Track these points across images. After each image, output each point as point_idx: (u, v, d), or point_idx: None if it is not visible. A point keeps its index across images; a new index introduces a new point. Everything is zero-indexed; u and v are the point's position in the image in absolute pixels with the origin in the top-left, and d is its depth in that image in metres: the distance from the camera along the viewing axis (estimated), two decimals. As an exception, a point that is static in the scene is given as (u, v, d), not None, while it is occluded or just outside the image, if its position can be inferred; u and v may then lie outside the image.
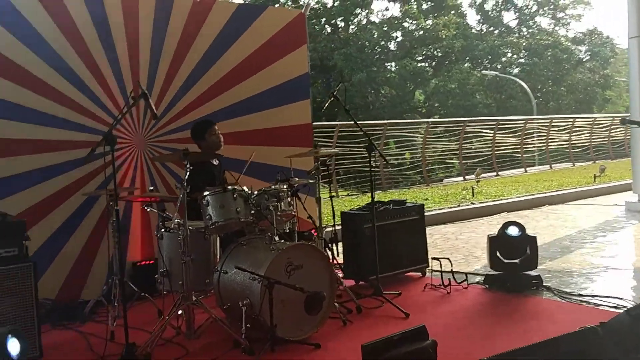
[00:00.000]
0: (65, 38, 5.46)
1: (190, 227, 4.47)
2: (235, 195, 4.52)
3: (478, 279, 5.78)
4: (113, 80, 5.76)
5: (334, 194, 6.60)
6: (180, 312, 4.53)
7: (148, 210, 5.11)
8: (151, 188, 5.32)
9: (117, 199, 4.17)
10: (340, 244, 5.85)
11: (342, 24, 32.60)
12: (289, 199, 4.78)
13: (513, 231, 5.52)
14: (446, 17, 32.24)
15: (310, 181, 5.48)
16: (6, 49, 5.16)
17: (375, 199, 5.72)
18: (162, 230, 4.69)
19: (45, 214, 5.34)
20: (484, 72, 33.49)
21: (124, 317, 4.01)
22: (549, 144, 19.62)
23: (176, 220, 4.58)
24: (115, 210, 4.12)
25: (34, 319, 4.14)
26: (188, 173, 4.49)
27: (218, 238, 4.87)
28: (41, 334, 4.19)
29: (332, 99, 5.35)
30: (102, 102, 5.68)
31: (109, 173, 4.16)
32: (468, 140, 17.24)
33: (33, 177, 5.29)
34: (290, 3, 29.58)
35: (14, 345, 3.44)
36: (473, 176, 15.06)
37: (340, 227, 5.92)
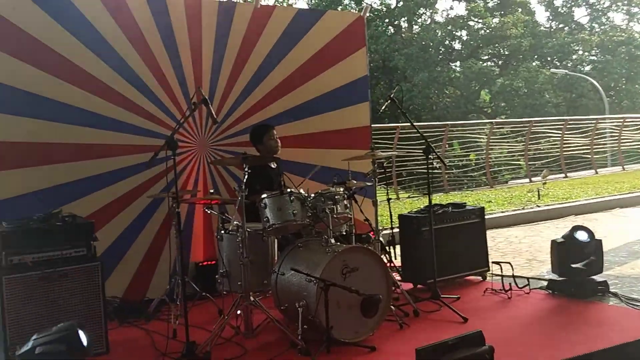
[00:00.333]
0: (131, 45, 5.68)
1: (248, 229, 4.57)
2: (292, 198, 4.59)
3: (541, 284, 5.65)
4: (177, 85, 5.95)
5: (391, 196, 6.57)
6: (239, 312, 4.63)
7: (209, 212, 5.26)
8: (211, 191, 5.48)
9: (179, 201, 4.31)
10: (397, 247, 5.84)
11: (405, 25, 32.38)
12: (345, 202, 4.81)
13: (582, 236, 5.35)
14: (514, 15, 31.51)
15: (368, 184, 5.50)
16: (76, 57, 5.42)
17: (436, 202, 5.67)
18: (222, 231, 4.81)
19: (112, 215, 5.56)
20: (553, 70, 32.50)
21: (184, 316, 4.14)
22: (622, 144, 18.87)
23: (235, 222, 4.69)
24: (176, 212, 4.26)
25: (101, 316, 4.33)
26: (246, 176, 4.60)
27: (276, 240, 4.95)
28: (108, 331, 4.38)
29: (390, 101, 5.35)
30: (166, 107, 5.87)
31: (171, 176, 4.30)
32: (536, 141, 16.80)
33: (101, 181, 5.52)
34: (353, 5, 29.62)
35: (83, 336, 3.60)
36: (539, 178, 14.67)
37: (398, 229, 5.90)
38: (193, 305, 5.19)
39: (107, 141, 5.57)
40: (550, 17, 36.78)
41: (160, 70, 5.85)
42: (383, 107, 5.50)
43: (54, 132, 5.31)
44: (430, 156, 5.21)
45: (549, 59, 33.79)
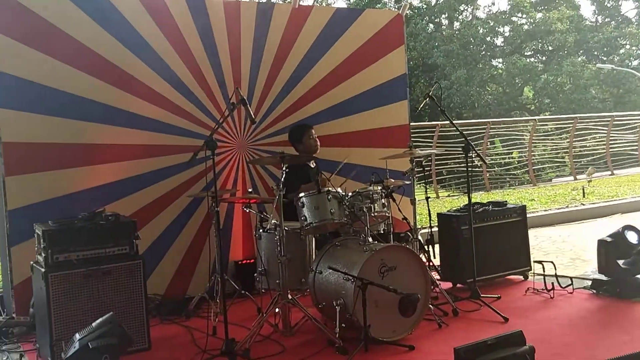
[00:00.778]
0: (171, 46, 5.78)
1: (286, 228, 4.59)
2: (329, 197, 4.59)
3: (585, 283, 5.53)
4: (216, 86, 6.02)
5: (430, 195, 6.52)
6: (277, 310, 4.66)
7: (247, 211, 5.30)
8: (250, 190, 5.53)
9: (218, 200, 4.36)
10: (436, 246, 5.78)
11: (446, 22, 32.05)
12: (383, 201, 4.80)
13: (632, 237, 5.22)
14: (558, 10, 30.85)
15: (406, 182, 5.47)
16: (119, 59, 5.53)
17: (477, 200, 5.60)
18: (260, 230, 4.86)
19: (154, 214, 5.67)
20: (599, 65, 31.68)
21: (224, 314, 4.19)
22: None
23: (273, 221, 4.72)
24: (215, 211, 4.31)
25: (143, 312, 4.41)
26: (284, 175, 4.63)
27: (313, 238, 4.97)
28: (150, 328, 4.46)
29: (428, 98, 5.31)
30: (206, 107, 5.95)
31: (211, 176, 4.36)
32: (581, 138, 16.41)
33: (143, 181, 5.63)
34: (392, 3, 29.45)
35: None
36: (585, 175, 14.33)
37: (437, 228, 5.85)
38: (232, 303, 5.25)
39: (149, 142, 5.67)
40: (596, 11, 35.88)
41: (200, 71, 5.93)
42: (421, 105, 5.45)
43: (97, 134, 5.44)
44: (469, 154, 5.16)
45: (595, 53, 32.95)
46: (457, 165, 13.13)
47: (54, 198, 5.23)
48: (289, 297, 4.56)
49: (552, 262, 5.59)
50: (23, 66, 5.13)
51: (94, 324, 3.62)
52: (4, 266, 5.35)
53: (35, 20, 5.17)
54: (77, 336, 3.58)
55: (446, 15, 31.53)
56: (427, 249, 5.49)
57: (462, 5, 31.45)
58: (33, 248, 4.49)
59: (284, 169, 4.63)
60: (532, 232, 6.04)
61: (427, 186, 6.47)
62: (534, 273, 5.75)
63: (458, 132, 5.56)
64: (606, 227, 7.29)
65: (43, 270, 4.15)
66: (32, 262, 4.45)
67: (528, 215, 6.11)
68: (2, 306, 5.39)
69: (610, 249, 5.23)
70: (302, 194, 4.66)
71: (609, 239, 5.29)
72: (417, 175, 5.63)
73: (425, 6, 30.97)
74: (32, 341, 4.63)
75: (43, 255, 4.22)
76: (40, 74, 5.21)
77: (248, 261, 5.97)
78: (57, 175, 5.27)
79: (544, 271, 5.52)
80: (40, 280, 4.18)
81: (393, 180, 5.18)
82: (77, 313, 4.15)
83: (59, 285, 4.13)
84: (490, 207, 5.88)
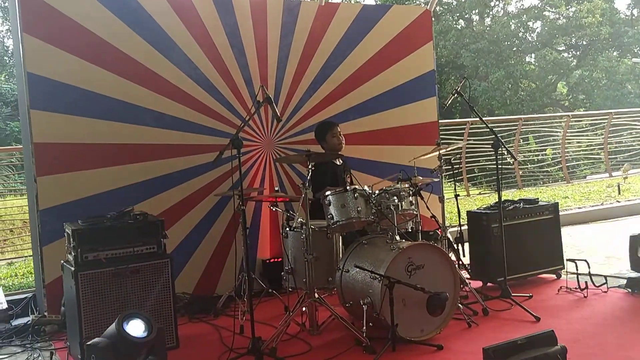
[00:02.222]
0: (198, 45, 5.80)
1: (312, 226, 4.57)
2: (356, 195, 4.56)
3: (620, 282, 5.39)
4: (243, 84, 6.03)
5: (460, 193, 6.43)
6: (304, 308, 4.64)
7: (274, 209, 5.29)
8: (276, 188, 5.52)
9: (244, 199, 4.36)
10: (466, 245, 5.70)
11: (477, 17, 31.66)
12: (410, 198, 4.74)
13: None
14: (590, 3, 30.21)
15: (435, 180, 5.40)
16: (146, 58, 5.58)
17: (508, 198, 5.50)
18: (287, 229, 4.84)
19: (182, 214, 5.70)
20: (634, 60, 30.96)
21: (250, 313, 4.18)
22: None
23: (299, 220, 4.70)
24: (242, 210, 4.30)
25: (171, 311, 4.43)
26: (311, 173, 4.60)
27: (340, 237, 4.93)
28: (178, 326, 4.48)
29: (456, 94, 5.23)
30: (233, 106, 5.96)
31: (237, 175, 4.36)
32: (617, 134, 16.03)
33: (171, 180, 5.66)
34: (422, -1, 29.19)
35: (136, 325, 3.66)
36: (620, 172, 14.00)
37: (466, 226, 5.76)
38: (259, 302, 5.26)
39: (176, 141, 5.70)
40: (631, 5, 35.05)
41: (227, 69, 5.94)
42: (449, 101, 5.38)
43: (125, 134, 5.49)
44: (499, 150, 5.07)
45: (629, 47, 32.19)
46: (488, 163, 12.94)
47: (83, 198, 5.29)
48: (316, 295, 4.53)
49: (585, 260, 5.47)
50: (52, 67, 5.20)
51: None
52: (36, 265, 5.44)
53: (62, 20, 5.23)
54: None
55: (477, 11, 31.13)
56: (456, 248, 5.41)
57: (493, 0, 31.02)
58: (64, 247, 4.54)
59: (310, 167, 4.60)
60: (565, 230, 5.91)
61: (458, 184, 6.36)
62: (567, 272, 5.63)
63: (488, 130, 5.47)
64: (642, 224, 7.12)
65: (73, 269, 4.19)
66: (62, 261, 4.51)
67: (561, 213, 6.00)
68: (35, 305, 5.48)
69: (638, 245, 5.09)
70: (328, 192, 4.63)
71: (637, 234, 5.15)
72: (446, 173, 5.55)
73: (455, 2, 30.64)
74: (64, 339, 4.69)
75: (73, 254, 4.26)
76: (70, 75, 5.27)
77: (275, 260, 5.96)
78: (86, 175, 5.33)
79: (577, 270, 5.40)
80: (70, 279, 4.23)
81: (421, 178, 5.12)
82: (106, 311, 4.18)
83: (88, 283, 4.17)
84: (522, 204, 5.77)
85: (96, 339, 3.49)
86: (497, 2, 31.57)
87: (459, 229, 5.57)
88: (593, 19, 28.87)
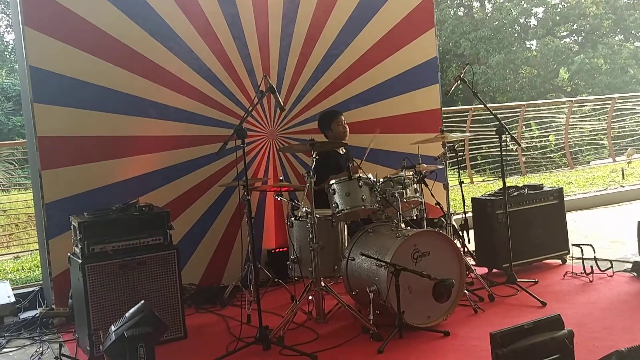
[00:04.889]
0: (199, 36, 5.79)
1: (317, 215, 4.58)
2: (360, 183, 4.56)
3: (625, 266, 5.39)
4: (246, 75, 6.01)
5: (464, 180, 6.43)
6: (310, 297, 4.66)
7: (278, 199, 5.29)
8: (281, 178, 5.52)
9: (249, 189, 4.36)
10: (471, 231, 5.70)
11: (477, 4, 31.50)
12: (415, 186, 4.74)
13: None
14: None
15: (439, 167, 5.39)
16: (148, 51, 5.56)
17: (512, 184, 5.50)
18: (292, 218, 4.85)
19: (188, 205, 5.71)
20: (637, 44, 30.80)
21: (257, 302, 4.20)
22: None
23: (304, 209, 4.71)
24: (247, 200, 4.31)
25: (178, 301, 4.47)
26: (315, 163, 4.60)
27: (345, 225, 4.94)
28: (185, 316, 4.51)
29: (459, 81, 5.21)
30: (235, 97, 5.95)
31: (241, 165, 4.36)
32: (620, 119, 15.98)
33: (176, 171, 5.67)
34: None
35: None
36: (624, 157, 13.97)
37: (471, 213, 5.77)
38: (266, 291, 5.28)
39: (180, 133, 5.70)
40: (634, -12, 34.82)
41: (229, 60, 5.93)
42: (452, 88, 5.36)
43: (129, 126, 5.49)
44: (502, 136, 5.06)
45: (632, 32, 32.02)
46: (492, 150, 12.92)
47: (89, 190, 5.30)
48: (322, 284, 4.55)
49: (590, 245, 5.47)
50: (54, 60, 5.19)
51: (127, 314, 3.67)
52: (43, 258, 5.46)
53: (63, 13, 5.21)
54: (113, 328, 3.63)
55: (478, -4, 30.96)
56: (461, 234, 5.41)
57: (494, -13, 30.84)
58: (70, 240, 4.56)
59: (314, 156, 4.60)
60: (570, 216, 5.90)
61: (461, 171, 6.35)
62: (572, 257, 5.64)
63: (492, 116, 5.46)
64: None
65: (80, 261, 4.22)
66: (69, 254, 4.53)
67: (566, 199, 5.99)
68: (42, 298, 5.50)
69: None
70: (333, 181, 4.63)
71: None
72: (450, 161, 5.54)
73: (455, -10, 30.47)
74: (72, 331, 4.72)
75: (79, 246, 4.29)
76: (73, 68, 5.27)
77: (281, 249, 5.98)
78: (91, 168, 5.34)
79: (582, 254, 5.40)
80: (78, 272, 4.26)
81: (425, 166, 5.12)
82: (113, 303, 4.22)
83: (95, 275, 4.20)
84: (526, 190, 5.77)
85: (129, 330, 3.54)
86: (497, -12, 31.32)
87: (463, 215, 5.57)
88: (595, 9, 28.71)
